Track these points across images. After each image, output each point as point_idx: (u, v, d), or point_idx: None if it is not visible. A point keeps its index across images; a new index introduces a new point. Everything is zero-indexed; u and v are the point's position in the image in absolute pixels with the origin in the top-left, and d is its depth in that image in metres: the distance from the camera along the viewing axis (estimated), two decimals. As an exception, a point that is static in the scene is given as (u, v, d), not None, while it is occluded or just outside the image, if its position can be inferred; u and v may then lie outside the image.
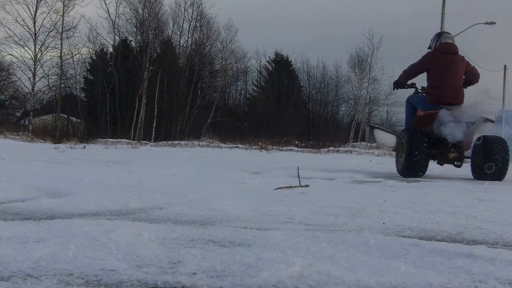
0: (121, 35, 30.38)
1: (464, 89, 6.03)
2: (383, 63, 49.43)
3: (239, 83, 36.55)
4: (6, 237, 1.83)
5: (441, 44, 5.91)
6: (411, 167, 5.68)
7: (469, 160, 6.01)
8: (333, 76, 36.53)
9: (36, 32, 27.51)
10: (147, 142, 23.23)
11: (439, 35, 6.06)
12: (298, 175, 4.37)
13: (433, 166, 6.34)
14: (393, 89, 6.54)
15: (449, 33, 6.17)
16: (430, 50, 6.09)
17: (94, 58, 31.18)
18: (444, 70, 5.77)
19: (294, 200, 3.16)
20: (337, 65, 36.69)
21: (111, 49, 30.77)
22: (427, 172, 5.91)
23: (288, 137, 26.64)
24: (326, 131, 33.09)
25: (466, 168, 6.22)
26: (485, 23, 24.77)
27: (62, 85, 29.22)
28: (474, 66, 6.13)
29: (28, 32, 27.51)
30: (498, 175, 5.62)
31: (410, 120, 6.11)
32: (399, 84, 6.29)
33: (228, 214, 2.56)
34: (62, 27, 27.98)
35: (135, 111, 27.98)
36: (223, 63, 32.98)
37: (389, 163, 9.62)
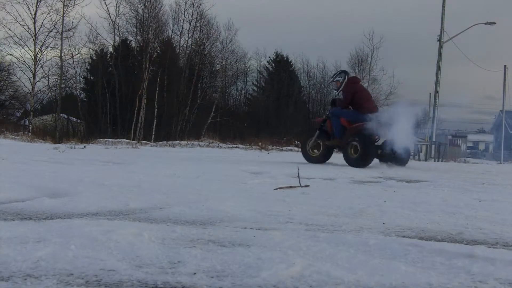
0: (121, 35, 30.35)
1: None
2: (383, 63, 49.38)
3: (239, 83, 36.49)
4: (6, 237, 1.83)
5: (352, 77, 8.65)
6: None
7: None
8: (333, 76, 36.51)
9: (36, 32, 27.50)
10: (147, 142, 23.21)
11: (345, 72, 8.60)
12: (298, 175, 4.37)
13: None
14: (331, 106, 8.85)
15: (350, 71, 9.55)
16: (337, 81, 8.47)
17: (94, 58, 31.13)
18: (363, 92, 8.42)
19: (294, 200, 3.16)
20: (337, 65, 36.51)
21: (111, 49, 30.73)
22: (428, 172, 6.01)
23: (288, 137, 26.63)
24: (326, 131, 32.94)
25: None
26: (485, 23, 24.76)
27: (62, 85, 29.20)
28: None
29: (28, 32, 27.49)
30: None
31: (338, 127, 8.16)
32: (344, 107, 8.40)
33: (228, 214, 2.56)
34: (62, 27, 27.96)
35: (135, 111, 27.96)
36: (223, 63, 32.96)
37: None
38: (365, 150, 7.71)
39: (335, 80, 8.50)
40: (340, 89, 8.34)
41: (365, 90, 8.66)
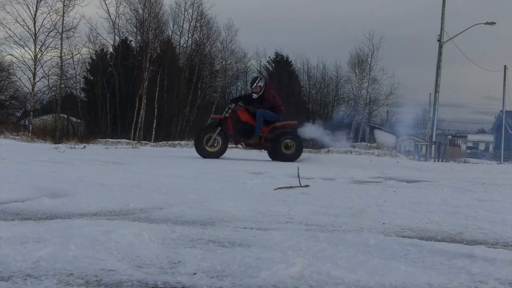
0: (121, 35, 30.34)
1: None
2: (383, 63, 49.35)
3: (239, 83, 36.51)
4: (6, 237, 1.83)
5: (268, 82, 9.56)
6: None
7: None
8: (333, 77, 36.52)
9: (36, 32, 27.47)
10: (147, 142, 23.17)
11: (263, 78, 9.74)
12: (298, 175, 4.37)
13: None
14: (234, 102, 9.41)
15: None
16: (260, 87, 9.14)
17: (94, 58, 31.13)
18: (278, 97, 9.41)
19: (294, 200, 3.16)
20: (337, 65, 36.62)
21: (111, 49, 30.72)
22: (428, 172, 6.04)
23: (288, 137, 26.50)
24: (326, 131, 32.94)
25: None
26: (485, 23, 24.76)
27: (62, 85, 29.19)
28: None
29: (28, 32, 27.46)
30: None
31: (261, 126, 8.93)
32: (267, 109, 9.15)
33: (228, 214, 2.56)
34: (62, 27, 27.94)
35: (135, 111, 27.95)
36: (223, 63, 32.97)
37: (390, 164, 9.61)
38: (300, 146, 8.88)
39: (258, 85, 9.22)
40: (261, 93, 9.10)
41: (277, 95, 9.91)
